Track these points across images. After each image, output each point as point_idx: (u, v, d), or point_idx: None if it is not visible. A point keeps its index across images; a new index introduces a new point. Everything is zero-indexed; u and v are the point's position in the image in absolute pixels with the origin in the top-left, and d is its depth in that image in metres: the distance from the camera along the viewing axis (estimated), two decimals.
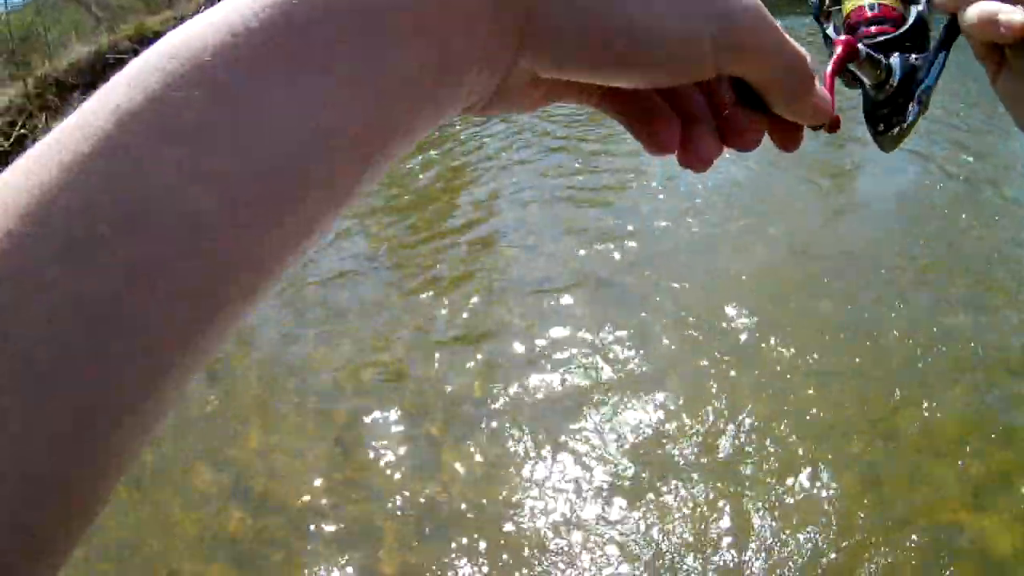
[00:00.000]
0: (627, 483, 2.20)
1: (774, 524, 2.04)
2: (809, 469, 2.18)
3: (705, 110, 0.29)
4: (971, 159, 4.12)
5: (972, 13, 0.39)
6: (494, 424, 2.51)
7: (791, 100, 0.27)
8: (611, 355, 2.76)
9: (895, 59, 0.37)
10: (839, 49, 0.35)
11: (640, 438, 2.35)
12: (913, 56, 0.37)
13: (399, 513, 2.24)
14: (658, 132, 0.28)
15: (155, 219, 0.17)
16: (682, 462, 2.24)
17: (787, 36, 0.26)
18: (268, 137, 0.18)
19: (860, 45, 0.36)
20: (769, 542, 2.00)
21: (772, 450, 2.25)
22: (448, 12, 0.21)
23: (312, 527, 2.20)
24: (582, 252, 3.48)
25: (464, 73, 0.22)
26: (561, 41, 0.23)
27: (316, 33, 0.19)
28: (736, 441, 2.30)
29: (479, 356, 2.85)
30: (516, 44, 0.23)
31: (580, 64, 0.24)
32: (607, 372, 2.68)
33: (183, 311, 0.18)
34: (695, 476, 2.19)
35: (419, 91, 0.21)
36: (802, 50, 0.26)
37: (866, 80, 0.38)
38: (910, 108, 0.37)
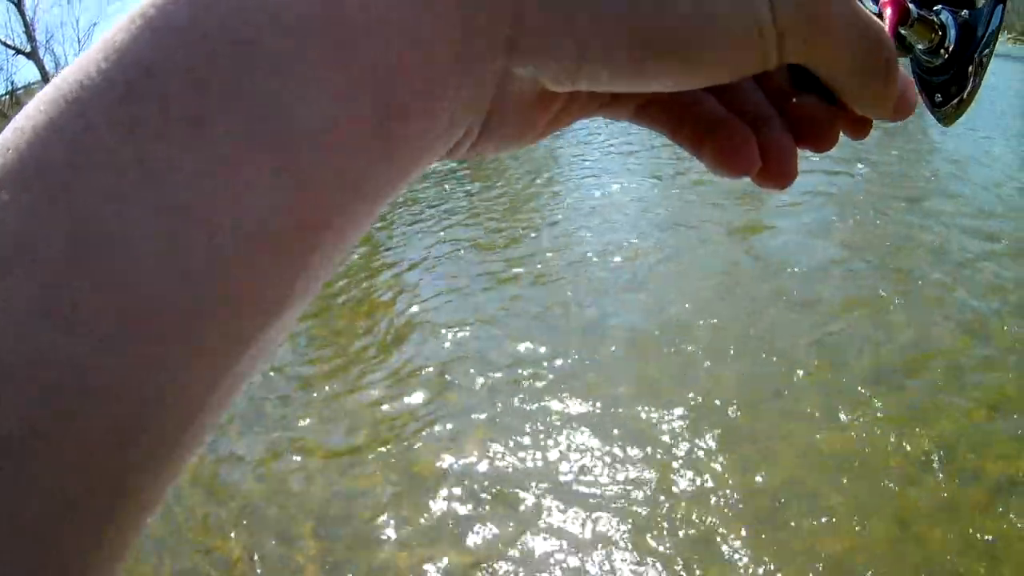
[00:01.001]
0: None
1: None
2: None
3: (768, 107, 0.22)
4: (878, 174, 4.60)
5: None
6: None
7: (869, 93, 0.21)
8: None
9: (946, 16, 0.32)
10: (889, 12, 0.29)
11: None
12: (965, 11, 0.32)
13: None
14: (728, 147, 0.21)
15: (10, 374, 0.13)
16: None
17: (859, 5, 0.19)
18: (125, 248, 0.14)
19: (910, 4, 0.31)
20: None
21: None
22: (384, 23, 0.15)
23: None
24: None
25: (425, 107, 0.16)
26: (569, 37, 0.17)
27: (180, 87, 0.14)
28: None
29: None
30: (504, 50, 0.17)
31: (602, 69, 0.17)
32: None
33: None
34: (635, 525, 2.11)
35: (356, 146, 0.16)
36: (880, 23, 0.20)
37: (919, 45, 0.33)
38: (970, 72, 0.33)
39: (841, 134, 0.23)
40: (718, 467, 2.25)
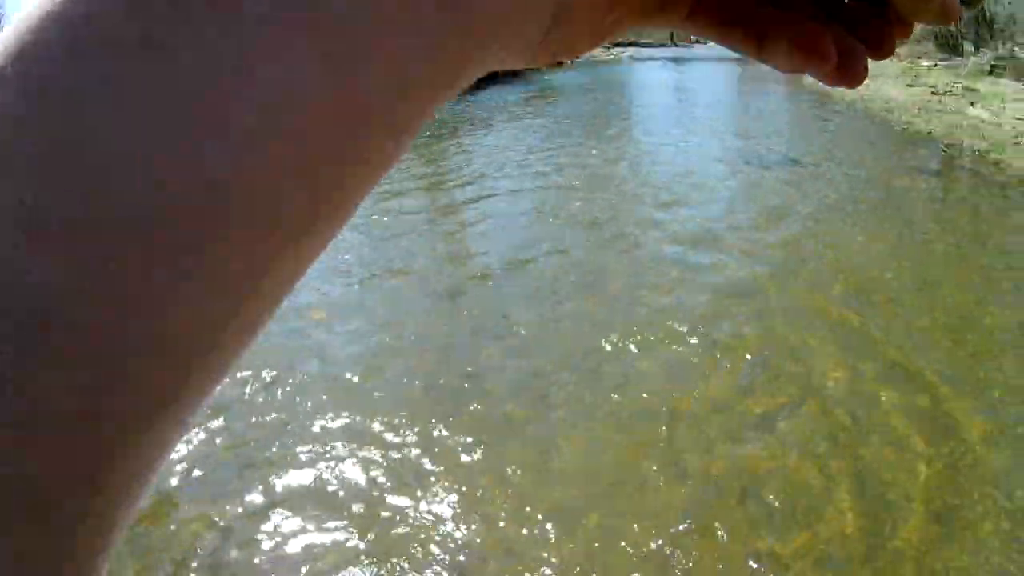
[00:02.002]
0: None
1: None
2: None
3: (820, 10, 0.22)
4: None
5: None
6: None
7: None
8: None
9: None
10: None
11: None
12: None
13: None
14: (803, 40, 0.20)
15: None
16: None
17: None
18: (121, 147, 0.12)
19: None
20: None
21: None
22: None
23: None
24: None
25: None
26: None
27: None
28: None
29: None
30: None
31: None
32: None
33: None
34: None
35: (405, 32, 0.13)
36: None
37: None
38: None
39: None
40: None
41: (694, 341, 3.02)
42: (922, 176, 6.24)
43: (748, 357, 2.89)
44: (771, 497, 2.14)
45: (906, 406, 2.55)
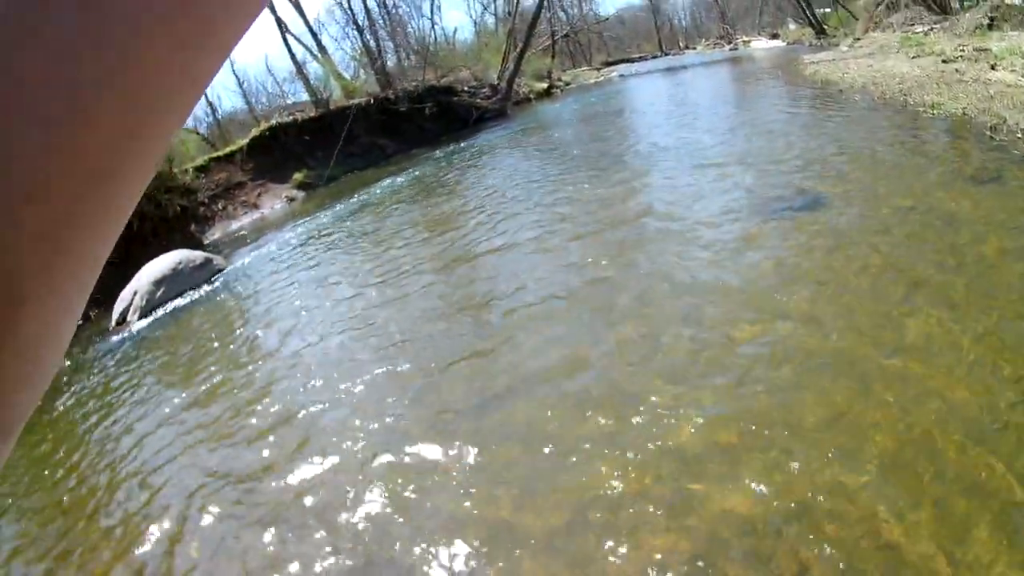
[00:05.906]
0: None
1: None
2: None
3: None
4: None
5: None
6: None
7: None
8: None
9: None
10: None
11: None
12: None
13: None
14: None
15: None
16: None
17: None
18: None
19: None
20: None
21: None
22: None
23: None
24: None
25: None
26: None
27: None
28: None
29: None
30: None
31: None
32: None
33: None
34: None
35: None
36: None
37: None
38: None
39: None
40: None
41: None
42: (984, 188, 4.92)
43: None
44: None
45: None
